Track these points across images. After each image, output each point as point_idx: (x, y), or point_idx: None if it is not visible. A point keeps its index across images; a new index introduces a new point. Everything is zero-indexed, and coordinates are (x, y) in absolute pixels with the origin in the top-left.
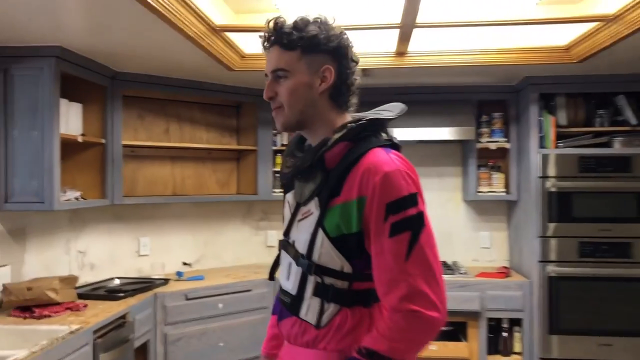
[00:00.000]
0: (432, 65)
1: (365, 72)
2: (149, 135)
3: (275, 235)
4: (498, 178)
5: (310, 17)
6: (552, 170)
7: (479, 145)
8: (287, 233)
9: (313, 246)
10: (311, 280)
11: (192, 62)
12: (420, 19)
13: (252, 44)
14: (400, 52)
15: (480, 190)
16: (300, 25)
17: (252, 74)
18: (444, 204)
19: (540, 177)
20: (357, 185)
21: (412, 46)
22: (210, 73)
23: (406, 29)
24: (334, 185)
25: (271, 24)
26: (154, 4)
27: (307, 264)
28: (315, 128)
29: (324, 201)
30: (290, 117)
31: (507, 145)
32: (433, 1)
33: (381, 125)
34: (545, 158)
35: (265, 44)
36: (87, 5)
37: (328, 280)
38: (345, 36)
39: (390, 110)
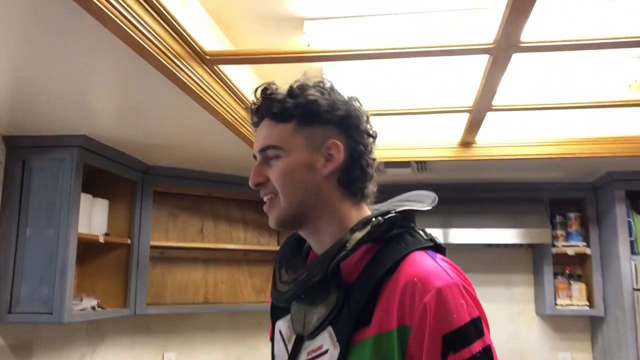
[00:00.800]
0: (503, 158)
1: (421, 165)
2: (181, 235)
3: None
4: (579, 289)
5: (308, 82)
6: None
7: (554, 250)
8: None
9: None
10: None
11: (229, 152)
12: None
13: None
14: (467, 143)
15: (559, 302)
16: (297, 91)
17: None
18: (515, 319)
19: (635, 290)
20: (396, 308)
21: (480, 136)
22: (249, 165)
23: (479, 112)
24: (360, 310)
25: (259, 92)
26: (190, 85)
27: None
28: (321, 225)
29: (345, 334)
30: (287, 209)
31: (588, 251)
32: (510, 83)
33: (413, 219)
34: (638, 266)
35: (254, 118)
36: (116, 88)
37: None
38: (357, 103)
39: (419, 200)
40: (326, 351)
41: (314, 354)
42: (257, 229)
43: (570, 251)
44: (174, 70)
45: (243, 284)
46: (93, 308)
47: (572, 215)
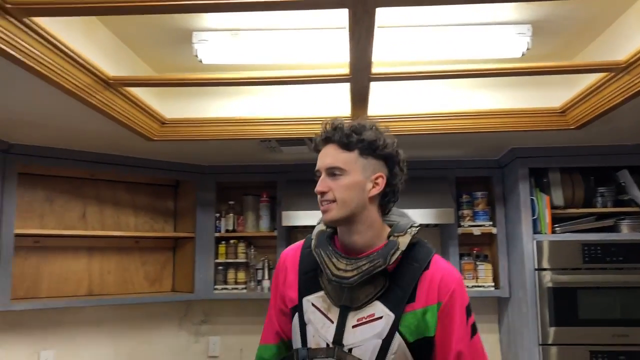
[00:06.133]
0: (395, 132)
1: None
2: (59, 222)
3: (219, 342)
4: (485, 269)
5: (365, 123)
6: (550, 261)
7: (460, 230)
8: (338, 340)
9: (387, 352)
10: None
11: (94, 129)
12: (377, 70)
13: (176, 109)
14: (358, 117)
15: (465, 284)
16: (359, 129)
17: (183, 145)
18: None
19: (537, 270)
20: (436, 290)
21: (374, 110)
22: (127, 144)
23: (358, 81)
24: (409, 291)
25: (328, 126)
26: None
27: None
28: (361, 229)
29: (398, 305)
30: (342, 213)
31: (494, 230)
32: (393, 47)
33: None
34: (540, 246)
35: (319, 144)
36: None
37: None
38: (396, 144)
39: (405, 215)
40: (381, 317)
41: (364, 320)
42: (150, 214)
43: (476, 231)
44: None
45: (134, 274)
46: None
47: (478, 194)
